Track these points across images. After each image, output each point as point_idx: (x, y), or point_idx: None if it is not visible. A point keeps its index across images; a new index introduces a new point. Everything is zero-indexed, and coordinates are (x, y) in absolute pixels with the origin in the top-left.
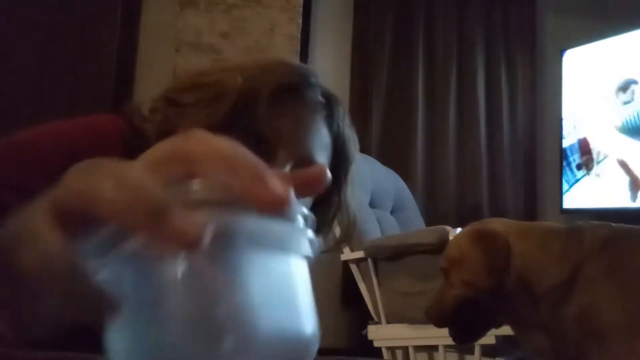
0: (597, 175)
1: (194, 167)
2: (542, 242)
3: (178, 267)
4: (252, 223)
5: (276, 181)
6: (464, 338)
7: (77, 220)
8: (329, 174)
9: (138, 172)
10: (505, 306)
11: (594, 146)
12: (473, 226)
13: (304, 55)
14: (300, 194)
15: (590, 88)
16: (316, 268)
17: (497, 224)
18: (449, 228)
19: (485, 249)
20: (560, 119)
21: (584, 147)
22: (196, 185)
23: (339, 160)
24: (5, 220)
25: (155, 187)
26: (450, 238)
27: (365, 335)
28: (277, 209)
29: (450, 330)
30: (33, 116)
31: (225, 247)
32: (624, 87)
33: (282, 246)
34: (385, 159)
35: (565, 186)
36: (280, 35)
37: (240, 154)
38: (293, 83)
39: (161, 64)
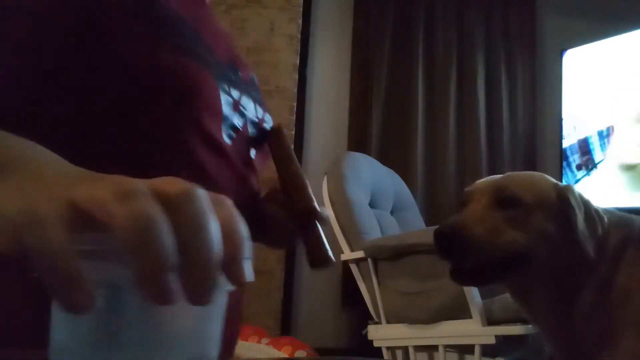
0: (597, 175)
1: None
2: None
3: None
4: None
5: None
6: (470, 279)
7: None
8: None
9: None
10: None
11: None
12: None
13: (304, 55)
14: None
15: (590, 88)
16: None
17: None
18: None
19: (587, 213)
20: (560, 119)
21: (584, 147)
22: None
23: None
24: None
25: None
26: None
27: (365, 335)
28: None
29: (460, 262)
30: None
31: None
32: None
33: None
34: (385, 159)
35: None
36: (280, 35)
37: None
38: None
39: None
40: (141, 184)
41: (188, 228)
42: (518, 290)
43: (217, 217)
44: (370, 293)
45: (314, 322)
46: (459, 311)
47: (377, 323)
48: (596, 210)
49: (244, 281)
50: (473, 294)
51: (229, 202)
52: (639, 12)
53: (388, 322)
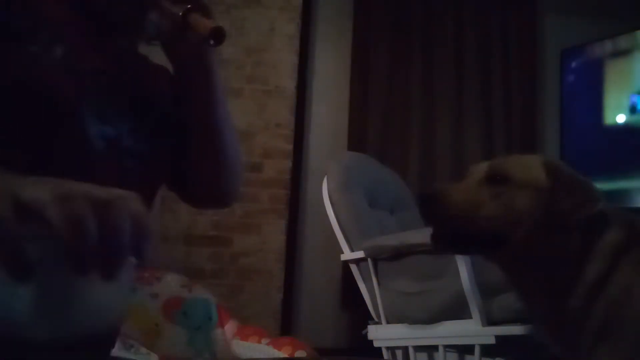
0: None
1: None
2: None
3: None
4: None
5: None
6: (444, 246)
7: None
8: None
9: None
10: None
11: None
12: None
13: (304, 55)
14: None
15: (590, 88)
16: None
17: None
18: None
19: (577, 189)
20: (560, 119)
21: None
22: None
23: None
24: None
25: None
26: None
27: (365, 335)
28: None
29: (441, 227)
30: None
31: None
32: None
33: None
34: (384, 159)
35: None
36: (280, 35)
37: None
38: None
39: (162, 62)
40: (76, 188)
41: (108, 225)
42: (513, 278)
43: (129, 213)
44: (370, 293)
45: (314, 322)
46: (459, 311)
47: (377, 323)
48: (589, 189)
49: (146, 260)
50: (473, 294)
51: (137, 201)
52: (639, 12)
53: (388, 322)
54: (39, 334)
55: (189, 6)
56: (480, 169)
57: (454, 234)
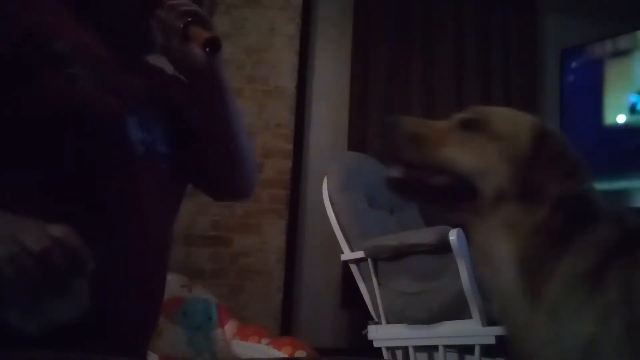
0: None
1: None
2: None
3: None
4: None
5: None
6: (399, 188)
7: None
8: None
9: None
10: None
11: None
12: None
13: (304, 55)
14: None
15: (590, 88)
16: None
17: None
18: (449, 228)
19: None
20: (560, 119)
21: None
22: None
23: None
24: None
25: None
26: (451, 238)
27: (365, 335)
28: None
29: (397, 163)
30: None
31: None
32: None
33: None
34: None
35: None
36: (280, 35)
37: None
38: None
39: (162, 62)
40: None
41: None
42: (479, 247)
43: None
44: (370, 293)
45: (314, 322)
46: (459, 311)
47: (377, 323)
48: (576, 165)
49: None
50: (473, 294)
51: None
52: (639, 12)
53: (388, 322)
54: (28, 327)
55: (189, 19)
56: (462, 113)
57: (410, 177)
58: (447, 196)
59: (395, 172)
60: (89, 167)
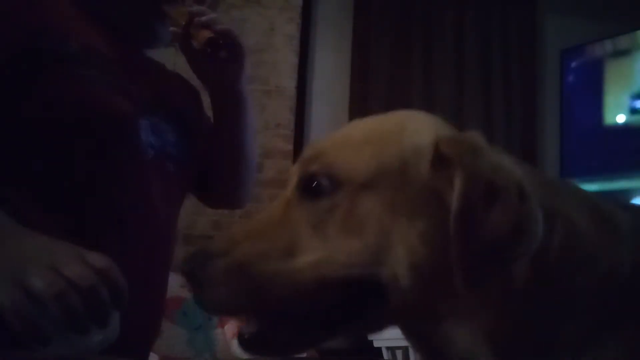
0: None
1: None
2: None
3: None
4: None
5: None
6: (254, 345)
7: None
8: None
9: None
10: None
11: None
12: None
13: (304, 55)
14: None
15: (590, 88)
16: None
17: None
18: None
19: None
20: (560, 119)
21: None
22: None
23: None
24: None
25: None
26: None
27: (366, 335)
28: None
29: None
30: None
31: None
32: None
33: None
34: None
35: None
36: (280, 35)
37: None
38: None
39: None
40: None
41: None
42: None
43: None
44: None
45: None
46: None
47: None
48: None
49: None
50: None
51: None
52: (639, 12)
53: None
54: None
55: (193, 18)
56: (297, 168)
57: (265, 324)
58: (339, 320)
59: (245, 328)
60: (99, 168)
